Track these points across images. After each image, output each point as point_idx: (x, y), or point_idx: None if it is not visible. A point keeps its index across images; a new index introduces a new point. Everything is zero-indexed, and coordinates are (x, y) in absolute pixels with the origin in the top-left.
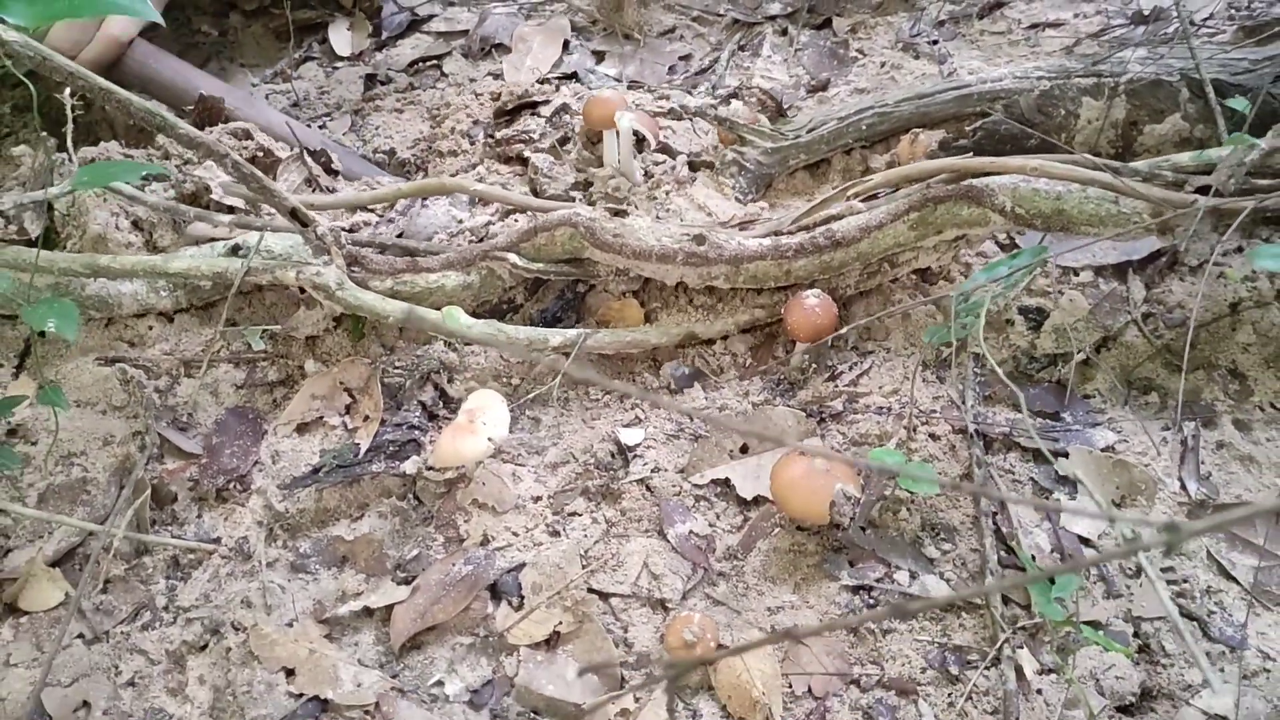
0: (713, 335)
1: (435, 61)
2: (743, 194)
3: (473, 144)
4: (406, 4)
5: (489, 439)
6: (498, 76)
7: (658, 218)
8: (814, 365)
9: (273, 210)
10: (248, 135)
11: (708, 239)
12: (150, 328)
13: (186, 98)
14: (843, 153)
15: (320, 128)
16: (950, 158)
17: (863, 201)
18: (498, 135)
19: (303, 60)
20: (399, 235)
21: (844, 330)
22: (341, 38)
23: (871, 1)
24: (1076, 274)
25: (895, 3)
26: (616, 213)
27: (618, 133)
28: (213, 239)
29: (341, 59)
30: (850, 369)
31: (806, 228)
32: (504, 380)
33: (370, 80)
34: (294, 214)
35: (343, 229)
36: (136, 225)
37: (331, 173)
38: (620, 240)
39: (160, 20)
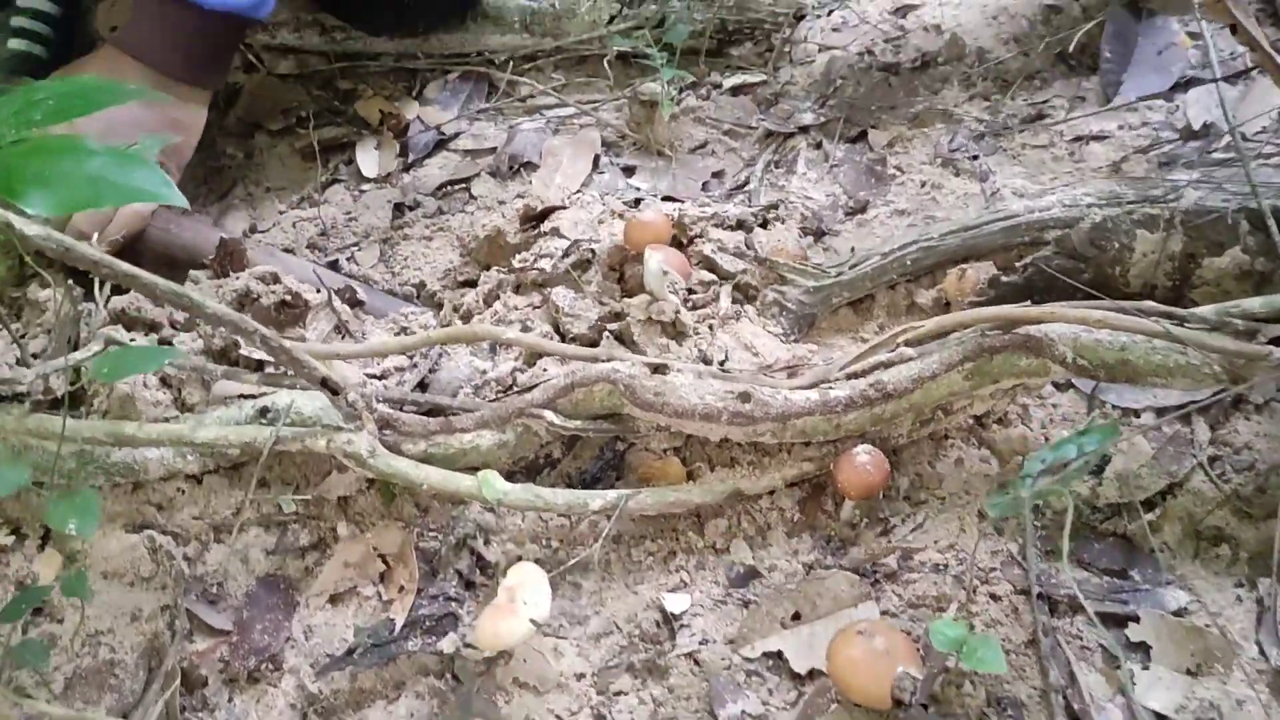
0: (759, 491)
1: (464, 184)
2: (785, 334)
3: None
4: (433, 122)
5: (531, 619)
6: (527, 197)
7: (701, 357)
8: (865, 519)
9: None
10: (275, 279)
11: (753, 396)
12: (179, 490)
13: (207, 254)
14: (886, 289)
15: (348, 259)
16: (1006, 306)
17: (914, 347)
18: (514, 261)
19: (330, 183)
20: (421, 383)
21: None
22: (369, 158)
23: (908, 113)
24: (1137, 415)
25: (933, 114)
26: (657, 369)
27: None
28: (242, 395)
29: (369, 180)
30: (903, 522)
31: (856, 374)
32: (542, 542)
33: (399, 208)
34: (324, 383)
35: (374, 376)
36: (165, 382)
37: (358, 304)
38: (661, 399)
39: (186, 204)
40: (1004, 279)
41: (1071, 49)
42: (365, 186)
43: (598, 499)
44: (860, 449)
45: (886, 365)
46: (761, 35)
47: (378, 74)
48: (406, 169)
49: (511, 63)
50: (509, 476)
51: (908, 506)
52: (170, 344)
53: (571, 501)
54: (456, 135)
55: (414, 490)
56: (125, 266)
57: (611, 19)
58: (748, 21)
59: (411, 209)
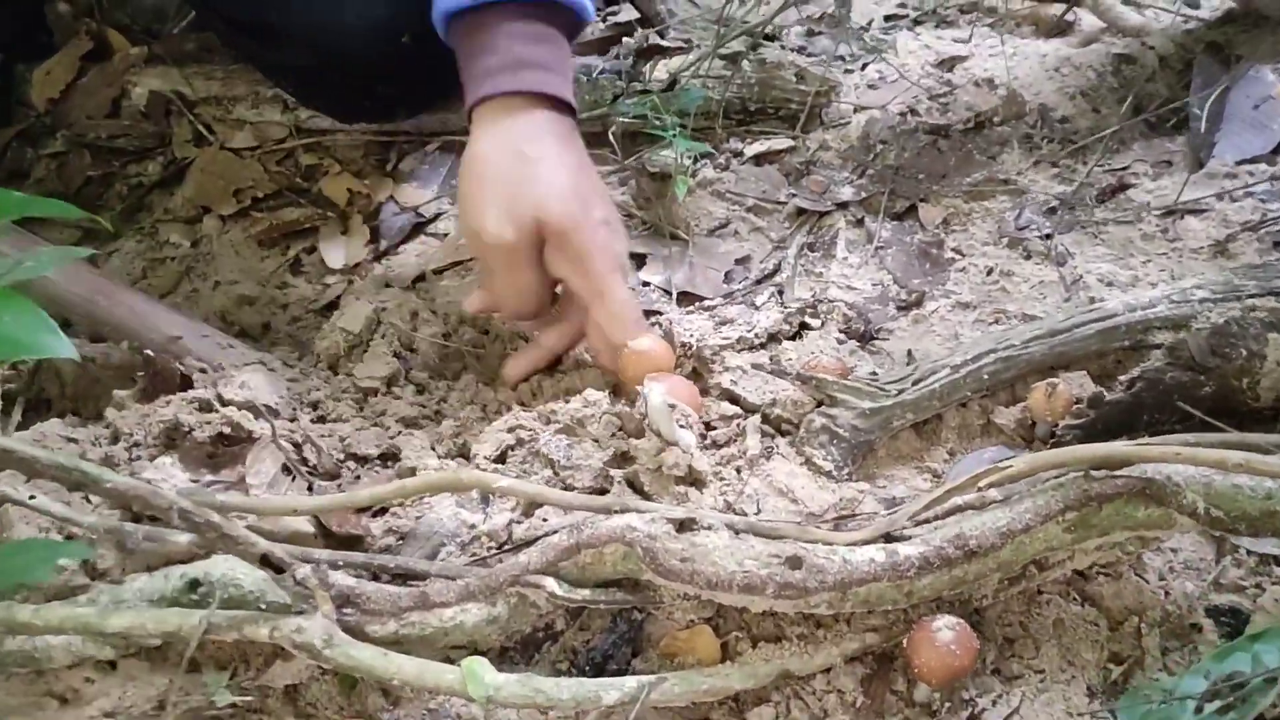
0: (812, 670)
1: (444, 276)
2: (836, 468)
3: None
4: (409, 202)
5: None
6: None
7: (728, 508)
8: (947, 703)
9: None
10: (211, 407)
11: (805, 561)
12: (88, 680)
13: (146, 337)
14: (957, 407)
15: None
16: (1116, 444)
17: (999, 490)
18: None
19: (290, 273)
20: (400, 539)
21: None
22: (334, 245)
23: (963, 183)
24: (1277, 564)
25: (992, 184)
26: (682, 525)
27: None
28: (169, 560)
29: (334, 272)
30: (994, 705)
31: (926, 520)
32: None
33: None
34: (265, 561)
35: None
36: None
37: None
38: (690, 565)
39: (76, 356)
40: (1107, 397)
41: (1150, 102)
42: (330, 279)
43: (613, 690)
44: (941, 623)
45: (964, 510)
46: (787, 112)
47: (346, 147)
48: (378, 257)
49: None
50: (501, 653)
51: (997, 683)
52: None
53: (580, 695)
54: (437, 217)
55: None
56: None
57: (615, 98)
58: (771, 101)
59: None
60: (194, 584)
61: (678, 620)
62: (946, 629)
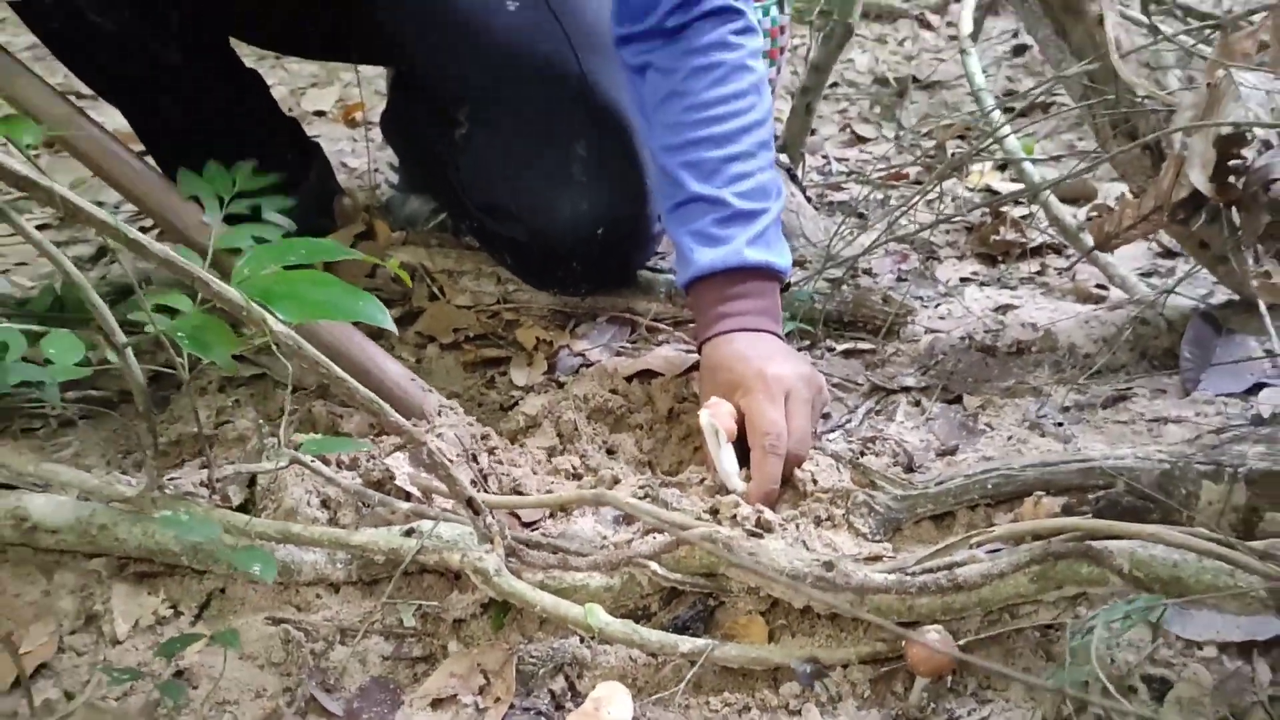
0: (834, 662)
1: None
2: (870, 533)
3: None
4: (579, 349)
5: None
6: None
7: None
8: (933, 706)
9: (447, 505)
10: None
11: (836, 566)
12: (318, 595)
13: (377, 376)
14: (968, 508)
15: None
16: (1072, 518)
17: (986, 552)
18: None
19: (485, 387)
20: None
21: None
22: (521, 371)
23: (1001, 386)
24: (1200, 648)
25: (1024, 389)
26: (753, 533)
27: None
28: (389, 523)
29: (518, 388)
30: (969, 715)
31: (931, 569)
32: (629, 680)
33: None
34: (469, 503)
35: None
36: (325, 504)
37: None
38: (754, 559)
39: (394, 329)
40: (1076, 510)
41: (1155, 352)
42: (515, 392)
43: (687, 643)
44: (931, 628)
45: (960, 564)
46: (873, 326)
47: (538, 310)
48: (551, 384)
49: (651, 317)
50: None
51: (974, 703)
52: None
53: (663, 641)
54: (599, 361)
55: (522, 620)
56: (338, 371)
57: None
58: (861, 316)
59: None
60: (409, 531)
61: (740, 609)
62: (934, 633)
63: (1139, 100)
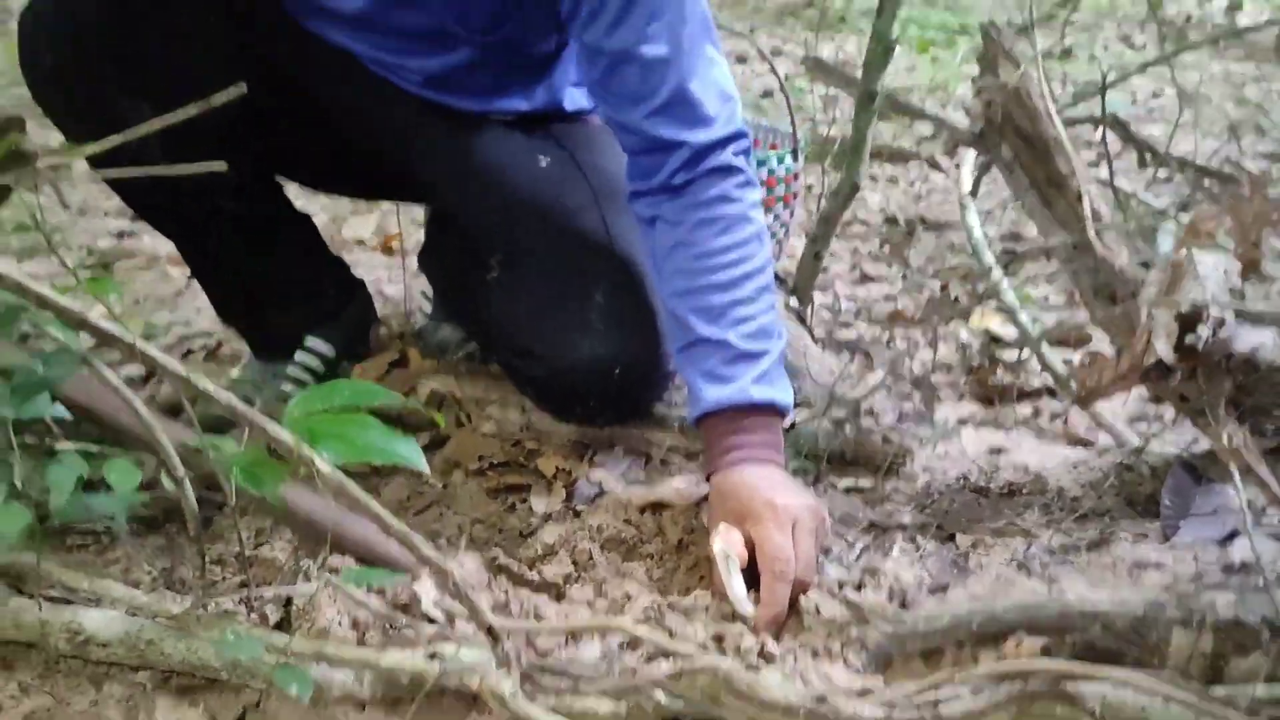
0: None
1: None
2: (863, 666)
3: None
4: (596, 479)
5: None
6: None
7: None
8: None
9: (463, 636)
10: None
11: (829, 700)
12: (346, 713)
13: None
14: (955, 646)
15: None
16: (1048, 660)
17: (970, 689)
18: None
19: (507, 513)
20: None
21: None
22: (540, 499)
23: (992, 526)
24: None
25: (1014, 530)
26: (752, 666)
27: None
28: (414, 645)
29: (537, 515)
30: None
31: (917, 705)
32: None
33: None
34: (489, 630)
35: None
36: (354, 625)
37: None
38: (752, 690)
39: (428, 470)
40: (1055, 652)
41: (1138, 497)
42: (533, 520)
43: None
44: None
45: (944, 701)
46: (872, 465)
47: (559, 440)
48: (569, 512)
49: (667, 448)
50: None
51: None
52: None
53: None
54: (614, 491)
55: None
56: (376, 506)
57: None
58: (861, 455)
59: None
60: (433, 655)
61: None
62: None
63: (1116, 270)
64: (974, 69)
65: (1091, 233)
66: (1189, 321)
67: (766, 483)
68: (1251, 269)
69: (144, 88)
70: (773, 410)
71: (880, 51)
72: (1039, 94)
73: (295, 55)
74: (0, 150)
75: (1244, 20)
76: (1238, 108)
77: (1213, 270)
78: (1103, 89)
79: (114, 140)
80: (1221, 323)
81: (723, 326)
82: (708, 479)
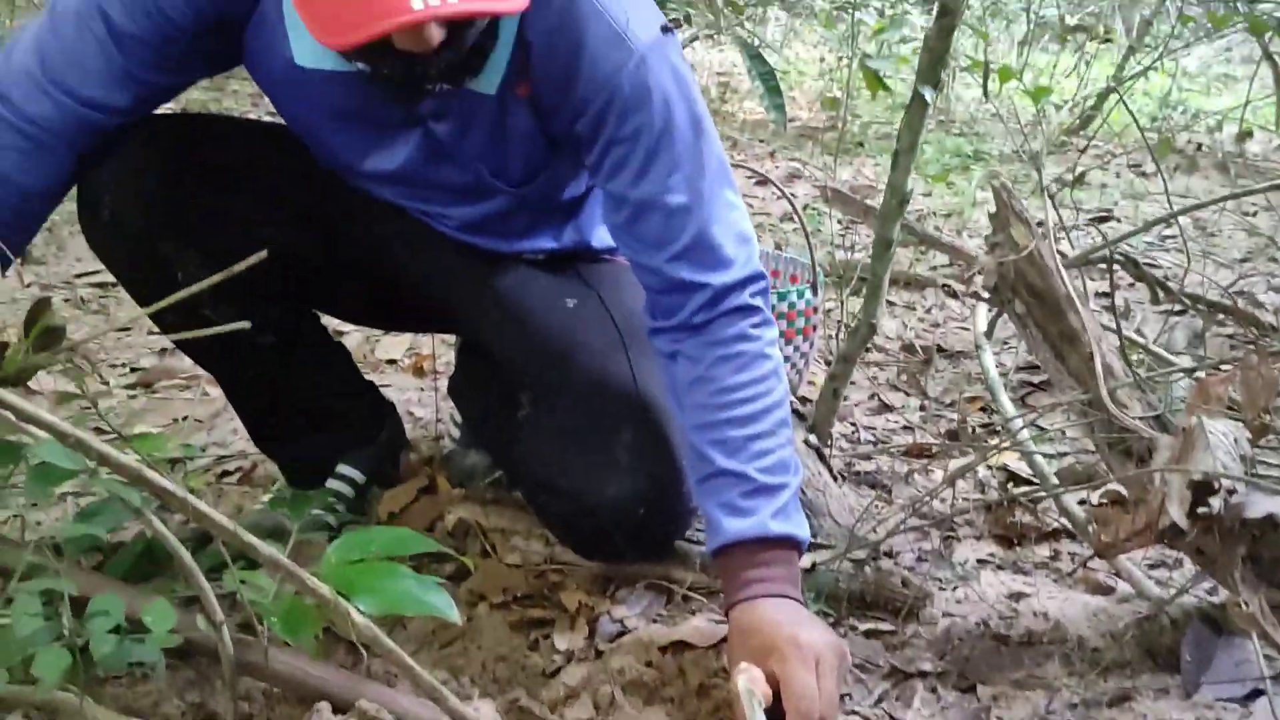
0: None
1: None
2: None
3: None
4: (619, 616)
5: None
6: None
7: None
8: None
9: None
10: None
11: None
12: None
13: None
14: None
15: None
16: None
17: None
18: None
19: (530, 650)
20: None
21: None
22: (563, 636)
23: (1013, 677)
24: None
25: (1034, 681)
26: None
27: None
28: None
29: (558, 652)
30: None
31: None
32: None
33: None
34: None
35: None
36: None
37: None
38: None
39: (459, 620)
40: None
41: (1159, 649)
42: (556, 657)
43: None
44: None
45: None
46: (893, 607)
47: (582, 574)
48: (590, 650)
49: (687, 586)
50: None
51: None
52: None
53: None
54: (636, 629)
55: None
56: (408, 660)
57: None
58: (881, 598)
59: None
60: None
61: None
62: None
63: (1129, 428)
64: (988, 195)
65: (1104, 391)
66: (1202, 489)
67: (789, 618)
68: (1261, 436)
69: (194, 238)
70: (791, 544)
71: (895, 204)
72: (1050, 253)
73: (339, 204)
74: (34, 334)
75: (1254, 149)
76: (1249, 238)
77: (1223, 438)
78: (1101, 223)
79: (168, 300)
80: (1232, 492)
81: (742, 460)
82: (726, 613)
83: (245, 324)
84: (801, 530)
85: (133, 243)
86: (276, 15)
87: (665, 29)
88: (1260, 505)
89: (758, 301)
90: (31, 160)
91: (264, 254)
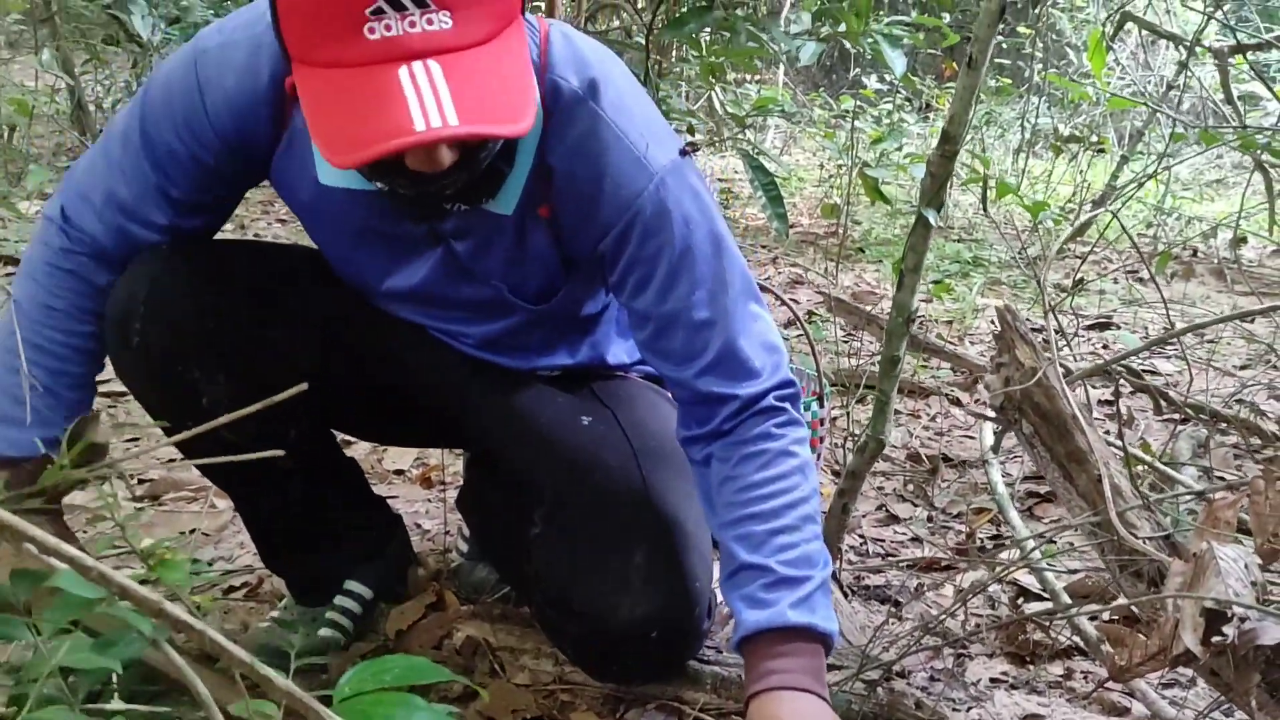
0: None
1: None
2: None
3: None
4: None
5: None
6: None
7: None
8: None
9: None
10: None
11: None
12: None
13: None
14: None
15: None
16: None
17: None
18: None
19: None
20: None
21: None
22: None
23: None
24: None
25: None
26: None
27: None
28: None
29: None
30: None
31: None
32: None
33: None
34: None
35: None
36: None
37: None
38: None
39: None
40: None
41: None
42: None
43: None
44: None
45: None
46: None
47: (590, 694)
48: None
49: (700, 708)
50: None
51: None
52: None
53: None
54: None
55: None
56: None
57: None
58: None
59: None
60: None
61: None
62: None
63: (1140, 551)
64: (988, 301)
65: (1114, 514)
66: (1215, 616)
67: (803, 714)
68: (1272, 561)
69: (224, 363)
70: (812, 635)
71: (901, 322)
72: (1056, 376)
73: (363, 325)
74: (76, 450)
75: (1248, 254)
76: (1248, 345)
77: (1234, 564)
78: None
79: (196, 431)
80: (1244, 620)
81: (764, 554)
82: (746, 705)
83: (279, 452)
84: (826, 623)
85: (161, 367)
86: (305, 136)
87: (683, 151)
88: (1273, 633)
89: (784, 404)
90: (100, 276)
91: (304, 386)
